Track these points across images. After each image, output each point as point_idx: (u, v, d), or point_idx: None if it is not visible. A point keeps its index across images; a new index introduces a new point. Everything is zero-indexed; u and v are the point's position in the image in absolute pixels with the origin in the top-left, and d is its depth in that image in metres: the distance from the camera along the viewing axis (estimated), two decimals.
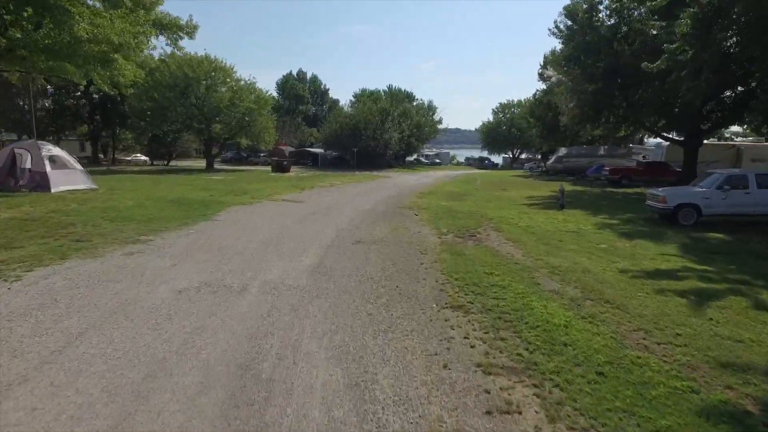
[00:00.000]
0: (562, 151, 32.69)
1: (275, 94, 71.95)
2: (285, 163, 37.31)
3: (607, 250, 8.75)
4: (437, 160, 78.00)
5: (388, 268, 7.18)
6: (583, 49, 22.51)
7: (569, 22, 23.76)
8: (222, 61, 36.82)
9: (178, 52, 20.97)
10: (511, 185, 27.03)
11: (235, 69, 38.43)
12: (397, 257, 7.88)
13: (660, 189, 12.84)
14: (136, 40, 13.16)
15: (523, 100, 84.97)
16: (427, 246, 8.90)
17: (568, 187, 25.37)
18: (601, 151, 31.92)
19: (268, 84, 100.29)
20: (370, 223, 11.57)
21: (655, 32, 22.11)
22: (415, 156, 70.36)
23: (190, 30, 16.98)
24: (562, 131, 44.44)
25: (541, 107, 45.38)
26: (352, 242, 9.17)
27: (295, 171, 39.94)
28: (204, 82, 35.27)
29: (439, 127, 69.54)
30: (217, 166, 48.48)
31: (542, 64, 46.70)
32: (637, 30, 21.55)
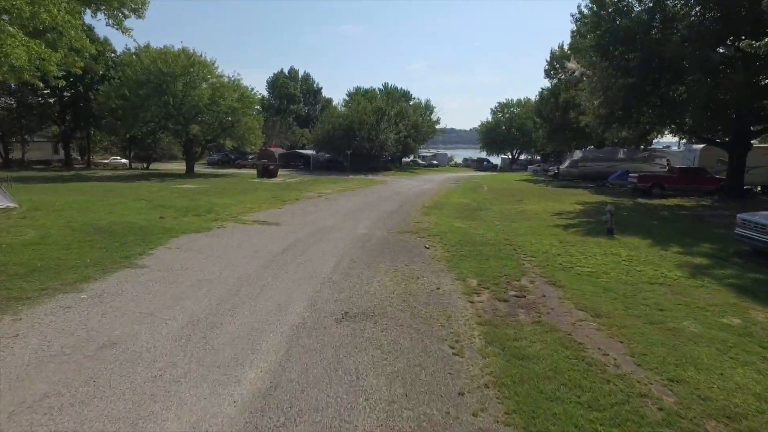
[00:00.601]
0: (578, 154, 29.28)
1: (266, 93, 68.35)
2: (272, 167, 33.69)
3: (754, 337, 5.27)
4: (434, 162, 74.60)
5: (399, 408, 3.65)
6: (612, 38, 19.08)
7: (595, 7, 20.33)
8: (201, 56, 33.10)
9: (129, 38, 17.27)
10: (525, 194, 23.59)
11: (216, 64, 34.75)
12: (412, 369, 4.34)
13: (760, 214, 9.38)
14: (33, 9, 9.46)
15: (523, 99, 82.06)
16: (458, 327, 5.38)
17: (592, 197, 21.99)
18: (621, 155, 28.55)
19: (258, 83, 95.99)
20: (364, 268, 8.04)
21: (696, 16, 18.79)
22: (411, 157, 66.87)
23: (137, 6, 13.36)
24: (581, 133, 41.25)
25: (548, 106, 42.08)
26: (335, 317, 5.65)
27: (284, 174, 36.43)
28: (181, 79, 31.50)
29: (437, 127, 66.13)
30: (201, 169, 44.87)
31: (549, 60, 43.44)
32: (678, 14, 18.18)
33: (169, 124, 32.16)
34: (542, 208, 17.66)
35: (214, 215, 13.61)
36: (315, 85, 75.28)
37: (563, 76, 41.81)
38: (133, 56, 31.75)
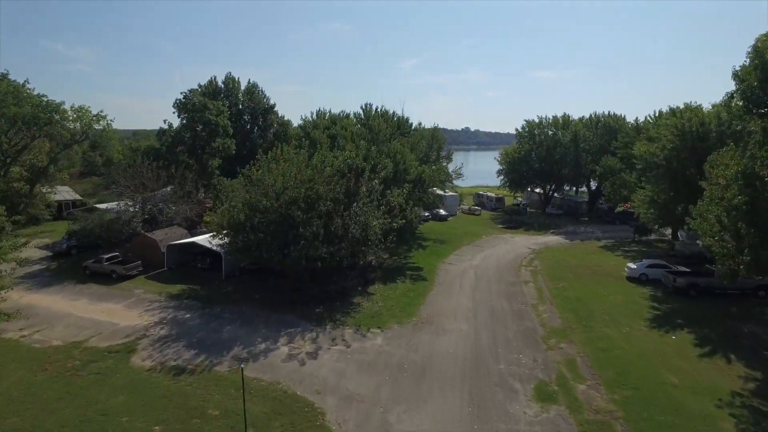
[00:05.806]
0: None
1: (175, 117, 40.29)
2: None
3: None
4: (442, 212, 48.29)
5: None
6: None
7: None
8: None
9: None
10: None
11: None
12: None
13: None
14: None
15: (560, 116, 56.19)
16: None
17: None
18: None
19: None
20: None
21: None
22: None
23: None
24: None
25: None
26: None
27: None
28: None
29: (450, 170, 39.28)
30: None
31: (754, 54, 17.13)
32: None
33: None
34: None
35: None
36: (265, 102, 47.39)
37: None
38: None
